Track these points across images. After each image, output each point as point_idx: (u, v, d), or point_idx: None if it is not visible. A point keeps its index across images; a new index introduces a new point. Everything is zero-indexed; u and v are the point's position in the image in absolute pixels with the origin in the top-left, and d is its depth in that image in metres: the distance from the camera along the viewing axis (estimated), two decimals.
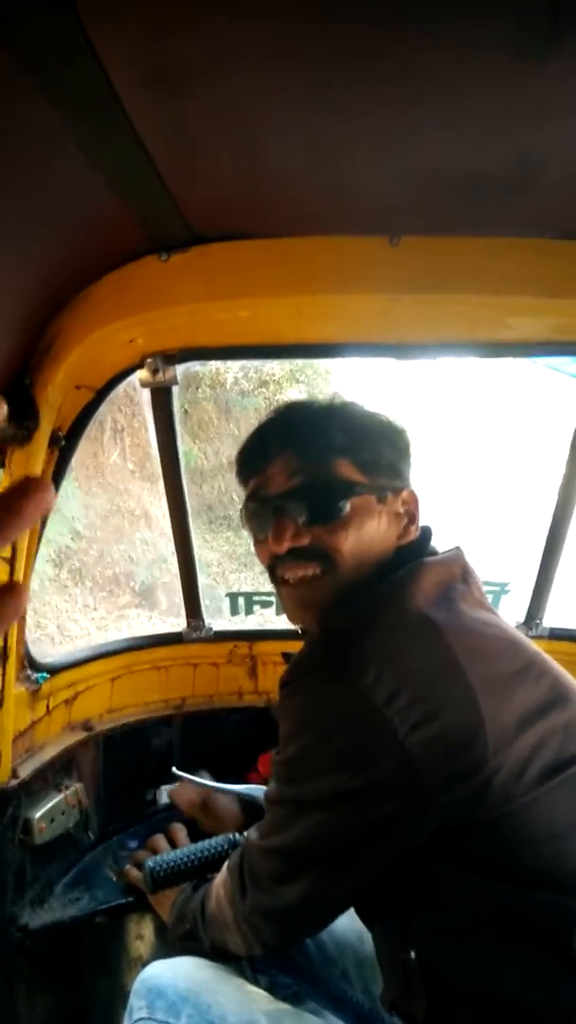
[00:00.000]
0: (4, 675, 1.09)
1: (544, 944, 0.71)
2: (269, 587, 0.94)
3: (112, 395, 1.18)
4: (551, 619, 1.53)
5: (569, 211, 0.87)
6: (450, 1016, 0.74)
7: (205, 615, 1.58)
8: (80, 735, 1.35)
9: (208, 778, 1.34)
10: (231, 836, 1.12)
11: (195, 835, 1.22)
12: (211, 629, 1.58)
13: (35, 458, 1.00)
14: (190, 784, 1.29)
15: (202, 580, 1.56)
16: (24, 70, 0.57)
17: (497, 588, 1.61)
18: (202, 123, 0.69)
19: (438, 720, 0.69)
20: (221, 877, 0.92)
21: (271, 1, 0.52)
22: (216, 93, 0.64)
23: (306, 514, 0.84)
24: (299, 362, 7.52)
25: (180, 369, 1.19)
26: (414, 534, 0.90)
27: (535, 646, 0.83)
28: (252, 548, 0.94)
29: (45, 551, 5.67)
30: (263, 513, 0.88)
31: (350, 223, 0.92)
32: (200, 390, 7.51)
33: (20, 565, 1.05)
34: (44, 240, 0.83)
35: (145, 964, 1.00)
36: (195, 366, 1.22)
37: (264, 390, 7.82)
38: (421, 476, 0.94)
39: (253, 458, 0.92)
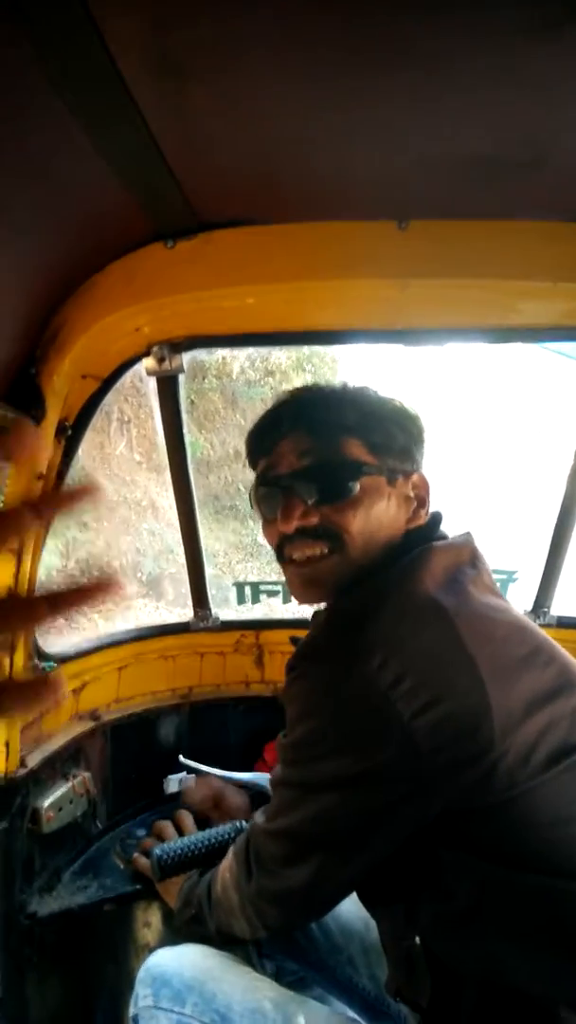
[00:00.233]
0: (12, 665, 1.09)
1: (549, 929, 0.71)
2: (275, 576, 0.94)
3: (118, 385, 1.18)
4: (559, 607, 1.53)
5: None
6: (454, 1002, 0.75)
7: (212, 604, 1.58)
8: (88, 724, 1.36)
9: (215, 767, 1.35)
10: (237, 823, 1.12)
11: (202, 823, 1.23)
12: (218, 618, 1.58)
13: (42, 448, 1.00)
14: (197, 773, 1.29)
15: (208, 570, 1.56)
16: (31, 57, 0.57)
17: (505, 576, 1.60)
18: (209, 109, 0.68)
19: (444, 704, 0.69)
20: (227, 861, 0.93)
21: None
22: (223, 79, 0.63)
23: (316, 494, 0.84)
24: (306, 350, 7.49)
25: (186, 357, 1.18)
26: (424, 518, 0.90)
27: (543, 632, 0.83)
28: (258, 538, 0.94)
29: (52, 543, 5.70)
30: (272, 493, 0.88)
31: (358, 208, 0.91)
32: (206, 380, 7.48)
33: (27, 556, 1.05)
34: (50, 228, 0.82)
35: (152, 951, 1.00)
36: (201, 354, 1.22)
37: (270, 379, 7.77)
38: (429, 463, 0.93)
39: (264, 438, 0.91)
